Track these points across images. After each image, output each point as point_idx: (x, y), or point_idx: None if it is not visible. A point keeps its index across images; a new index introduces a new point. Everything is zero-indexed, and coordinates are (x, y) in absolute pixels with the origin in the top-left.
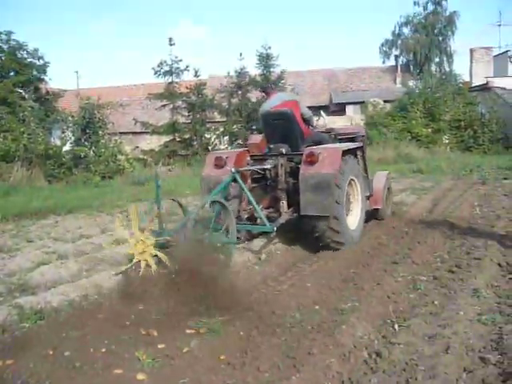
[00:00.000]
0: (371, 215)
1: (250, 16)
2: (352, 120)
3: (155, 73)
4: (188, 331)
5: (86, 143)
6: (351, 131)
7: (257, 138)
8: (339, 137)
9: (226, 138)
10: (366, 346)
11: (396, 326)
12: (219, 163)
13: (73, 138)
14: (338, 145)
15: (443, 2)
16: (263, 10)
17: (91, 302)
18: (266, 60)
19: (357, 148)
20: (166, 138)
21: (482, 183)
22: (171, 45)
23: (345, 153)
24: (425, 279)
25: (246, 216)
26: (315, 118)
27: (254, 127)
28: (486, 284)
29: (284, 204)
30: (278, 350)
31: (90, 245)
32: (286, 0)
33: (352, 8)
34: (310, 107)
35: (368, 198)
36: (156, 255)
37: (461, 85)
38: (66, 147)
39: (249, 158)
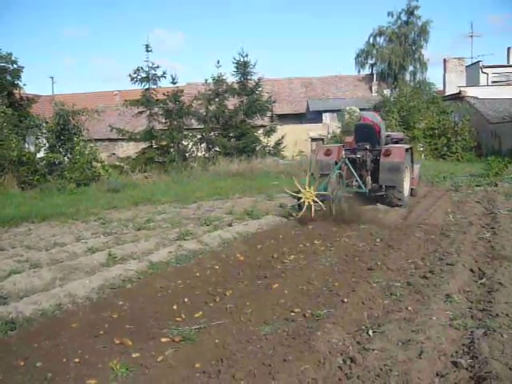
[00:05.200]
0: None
1: (227, 24)
2: (328, 128)
3: (132, 79)
4: (163, 340)
5: (61, 150)
6: (398, 137)
7: (349, 139)
8: (393, 140)
9: (204, 145)
10: (340, 352)
11: (370, 332)
12: (327, 152)
13: (47, 145)
14: (402, 145)
15: (416, 12)
16: (241, 18)
17: (64, 311)
18: (243, 67)
19: (410, 147)
20: (142, 145)
21: (455, 190)
22: (148, 51)
23: (405, 150)
24: (399, 285)
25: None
26: (383, 128)
27: (231, 134)
28: (459, 289)
29: (369, 178)
30: (253, 357)
31: (64, 253)
32: (265, 8)
33: (328, 17)
34: (287, 115)
35: (412, 178)
36: (316, 201)
37: (434, 94)
38: (41, 153)
39: (344, 151)
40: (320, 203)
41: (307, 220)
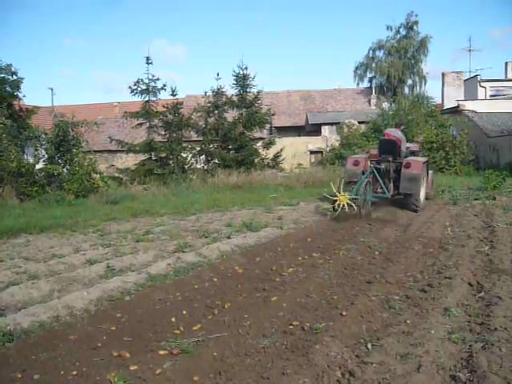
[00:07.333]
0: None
1: (228, 36)
2: (327, 140)
3: (132, 91)
4: (161, 352)
5: (60, 161)
6: (414, 148)
7: (374, 151)
8: (411, 151)
9: (203, 157)
10: (339, 366)
11: (369, 346)
12: (355, 163)
13: (46, 156)
14: (420, 158)
15: (415, 27)
16: (242, 31)
17: (62, 323)
18: (242, 80)
19: (427, 160)
20: (141, 157)
21: (454, 204)
22: (148, 63)
23: (423, 163)
24: (398, 298)
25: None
26: (403, 142)
27: (230, 146)
28: (457, 303)
29: (391, 186)
30: (251, 370)
31: (63, 264)
32: (265, 22)
33: (328, 30)
34: (286, 127)
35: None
36: (349, 204)
37: (433, 107)
38: (40, 165)
39: (369, 162)
40: (352, 204)
41: (341, 219)
